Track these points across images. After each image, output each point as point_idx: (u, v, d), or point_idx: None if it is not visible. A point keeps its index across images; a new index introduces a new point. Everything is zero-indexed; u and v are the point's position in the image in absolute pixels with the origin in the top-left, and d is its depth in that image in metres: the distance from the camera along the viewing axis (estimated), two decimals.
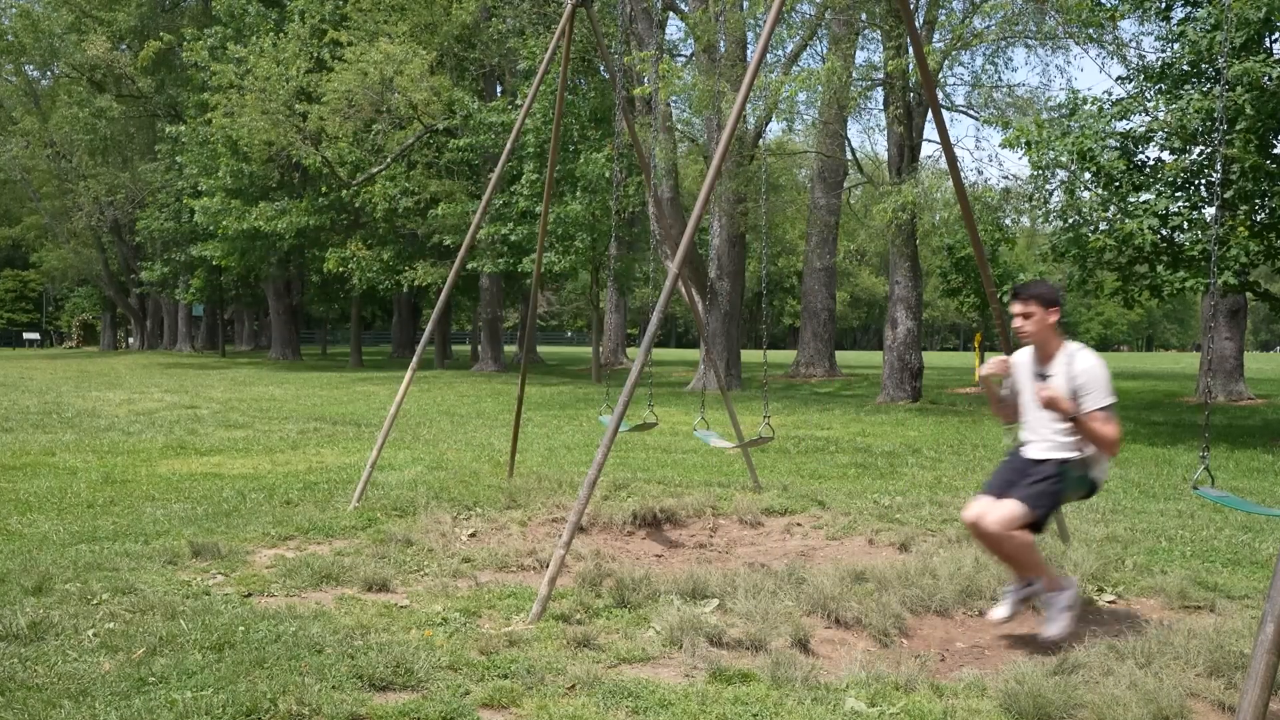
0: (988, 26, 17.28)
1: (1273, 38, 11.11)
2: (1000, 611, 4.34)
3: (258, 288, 38.62)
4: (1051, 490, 4.23)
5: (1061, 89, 41.41)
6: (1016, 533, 4.15)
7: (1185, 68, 11.54)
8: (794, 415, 15.21)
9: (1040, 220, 14.51)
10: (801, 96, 17.63)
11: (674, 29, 30.42)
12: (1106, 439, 4.14)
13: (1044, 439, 4.35)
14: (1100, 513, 7.11)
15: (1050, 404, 4.12)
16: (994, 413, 4.71)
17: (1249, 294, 13.55)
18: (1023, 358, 4.50)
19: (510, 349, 41.35)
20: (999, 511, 4.18)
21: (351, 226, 28.71)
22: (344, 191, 26.51)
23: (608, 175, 21.54)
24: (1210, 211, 11.38)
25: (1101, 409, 4.13)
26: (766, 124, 21.74)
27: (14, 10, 38.11)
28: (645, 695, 3.45)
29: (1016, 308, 4.35)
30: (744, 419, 10.73)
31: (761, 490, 7.75)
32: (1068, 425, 4.21)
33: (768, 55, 17.80)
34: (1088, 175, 11.97)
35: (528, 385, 9.21)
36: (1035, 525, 4.24)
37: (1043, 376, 4.34)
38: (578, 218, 21.73)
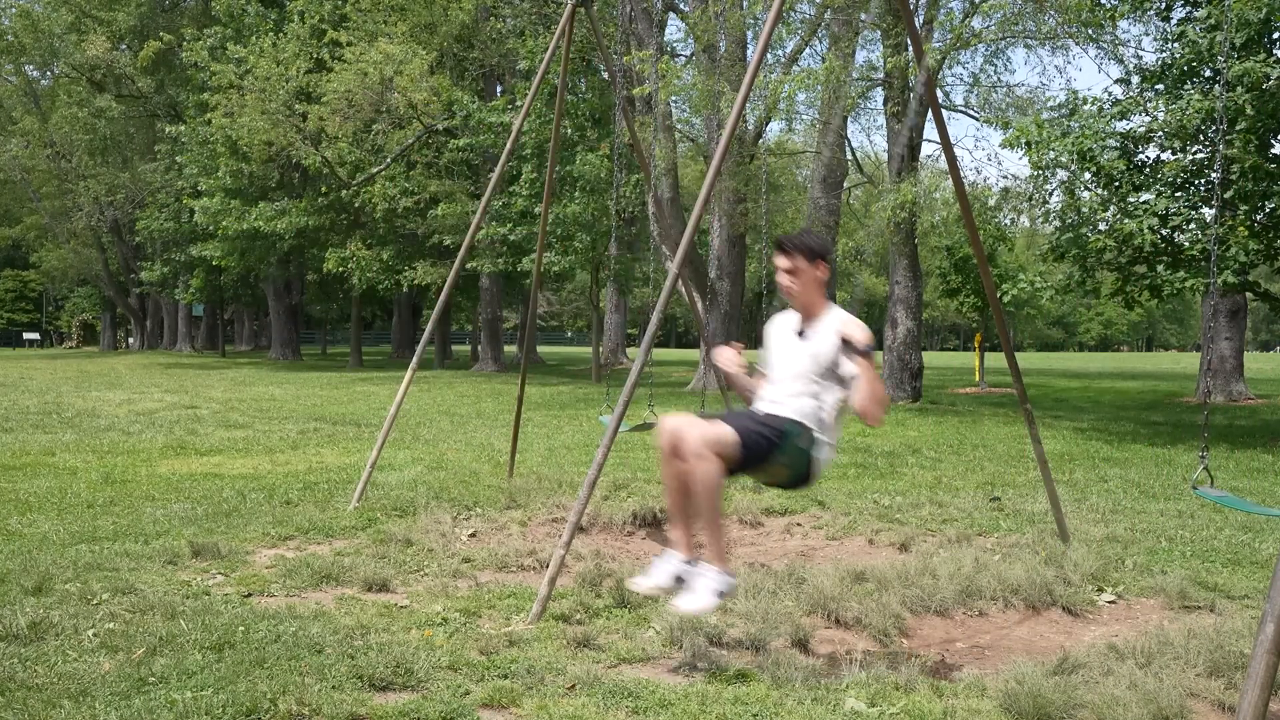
0: (987, 26, 17.29)
1: (1273, 38, 11.11)
2: (644, 582, 3.78)
3: (257, 288, 38.62)
4: (770, 438, 3.73)
5: (1061, 89, 41.43)
6: (710, 459, 3.56)
7: (1185, 68, 11.54)
8: None
9: (1040, 220, 14.52)
10: (801, 96, 17.63)
11: (674, 29, 30.44)
12: (877, 393, 3.70)
13: (784, 401, 3.89)
14: (1100, 513, 7.11)
15: (847, 340, 3.68)
16: (737, 393, 4.21)
17: (1249, 294, 13.55)
18: (780, 321, 4.09)
19: (510, 349, 41.34)
20: (706, 427, 3.62)
21: (351, 226, 28.71)
22: (344, 191, 26.51)
23: (603, 175, 21.54)
24: (1210, 211, 11.38)
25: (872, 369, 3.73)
26: (766, 124, 21.75)
27: (14, 10, 38.11)
28: (645, 695, 3.45)
29: (781, 261, 3.92)
30: None
31: (761, 490, 7.75)
32: (824, 394, 3.82)
33: (767, 55, 17.79)
34: (1088, 175, 11.97)
35: (528, 385, 9.20)
36: (733, 466, 3.68)
37: (801, 334, 3.94)
38: (576, 218, 21.73)
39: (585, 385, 23.09)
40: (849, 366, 3.78)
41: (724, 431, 3.62)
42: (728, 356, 4.15)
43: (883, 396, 3.74)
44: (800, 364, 3.90)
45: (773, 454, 3.75)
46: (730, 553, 5.98)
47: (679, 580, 3.72)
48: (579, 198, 21.88)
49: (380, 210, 25.36)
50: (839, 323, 3.82)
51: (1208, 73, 11.47)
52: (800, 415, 3.84)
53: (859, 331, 3.70)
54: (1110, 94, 12.66)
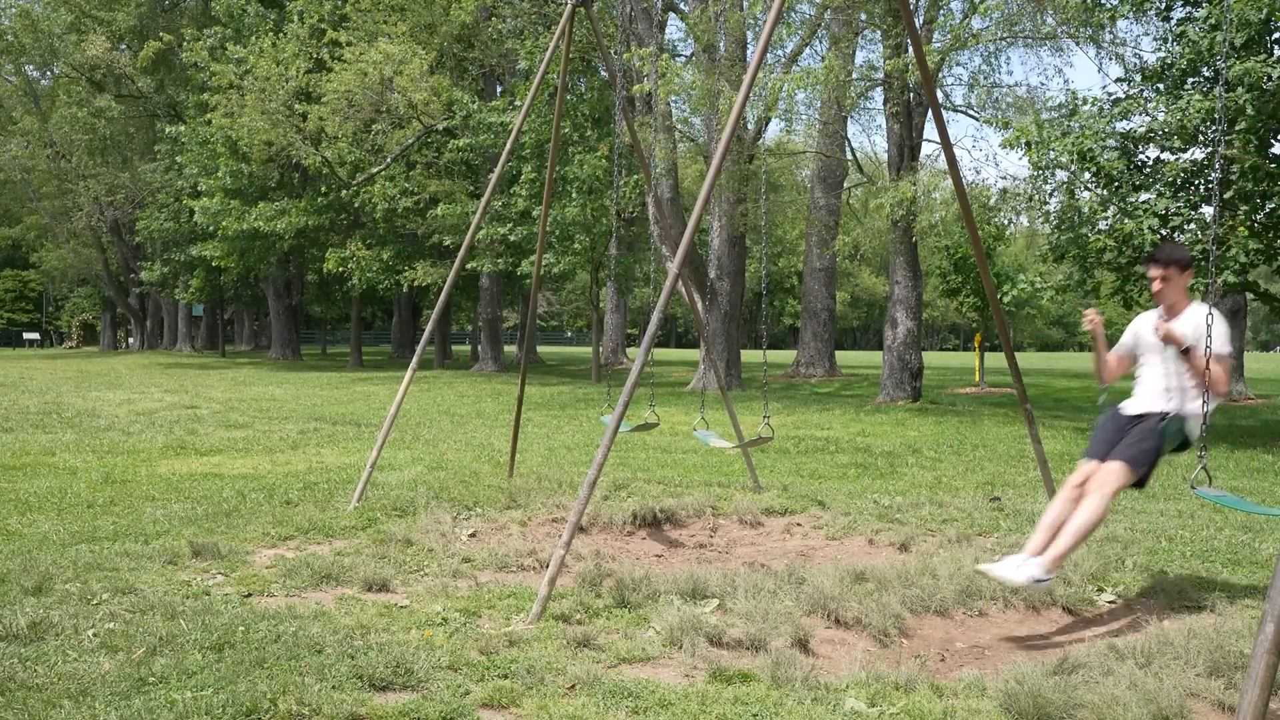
0: (986, 26, 17.30)
1: (1273, 38, 11.11)
2: (1018, 575, 4.32)
3: (257, 288, 38.63)
4: (1153, 447, 4.50)
5: (1061, 89, 41.43)
6: (1110, 501, 4.39)
7: (1185, 68, 11.54)
8: (794, 415, 15.21)
9: (1040, 221, 14.53)
10: (800, 95, 17.64)
11: (674, 29, 30.44)
12: (1217, 377, 4.32)
13: (1146, 394, 4.67)
14: None
15: (1167, 336, 4.39)
16: (1095, 369, 5.02)
17: (1249, 294, 13.55)
18: (1148, 319, 4.78)
19: (510, 349, 41.35)
20: (1106, 475, 4.42)
21: (351, 226, 28.71)
22: (344, 191, 26.52)
23: (601, 175, 21.54)
24: (1210, 211, 11.38)
25: (1220, 354, 4.32)
26: (766, 124, 21.75)
27: (14, 10, 38.11)
28: (645, 695, 3.45)
29: (1155, 271, 4.64)
30: (744, 419, 10.74)
31: (761, 490, 7.75)
32: (1180, 371, 4.50)
33: (767, 55, 17.79)
34: (1088, 175, 11.97)
35: (528, 385, 9.21)
36: (1139, 483, 4.52)
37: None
38: (574, 218, 21.74)
39: (585, 385, 23.09)
40: (1211, 363, 4.36)
41: (1120, 474, 4.44)
42: (1093, 317, 4.77)
43: (1219, 379, 4.35)
44: (1162, 360, 4.63)
45: (1160, 451, 4.55)
46: (731, 552, 5.98)
47: (1040, 584, 4.38)
48: (576, 199, 21.88)
49: (380, 210, 25.36)
50: (1188, 326, 4.50)
51: (1208, 73, 11.47)
52: (1165, 407, 4.59)
53: (1218, 336, 4.29)
54: (1110, 94, 12.66)
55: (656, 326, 5.04)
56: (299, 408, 15.73)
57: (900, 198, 15.96)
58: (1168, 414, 4.55)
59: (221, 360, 36.20)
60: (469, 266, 23.90)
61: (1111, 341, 4.96)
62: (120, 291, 47.83)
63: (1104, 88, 12.75)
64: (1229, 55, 10.64)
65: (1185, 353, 4.40)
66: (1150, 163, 11.98)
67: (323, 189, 27.32)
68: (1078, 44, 18.42)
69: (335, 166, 25.59)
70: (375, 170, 25.49)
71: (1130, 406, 4.72)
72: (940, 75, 18.48)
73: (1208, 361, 4.23)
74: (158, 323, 50.82)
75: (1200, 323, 4.38)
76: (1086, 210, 12.04)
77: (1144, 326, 4.80)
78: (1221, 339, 4.35)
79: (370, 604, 4.52)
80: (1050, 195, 12.78)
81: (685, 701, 3.41)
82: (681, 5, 23.78)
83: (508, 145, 7.36)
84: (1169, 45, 11.98)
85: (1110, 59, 19.37)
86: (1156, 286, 4.66)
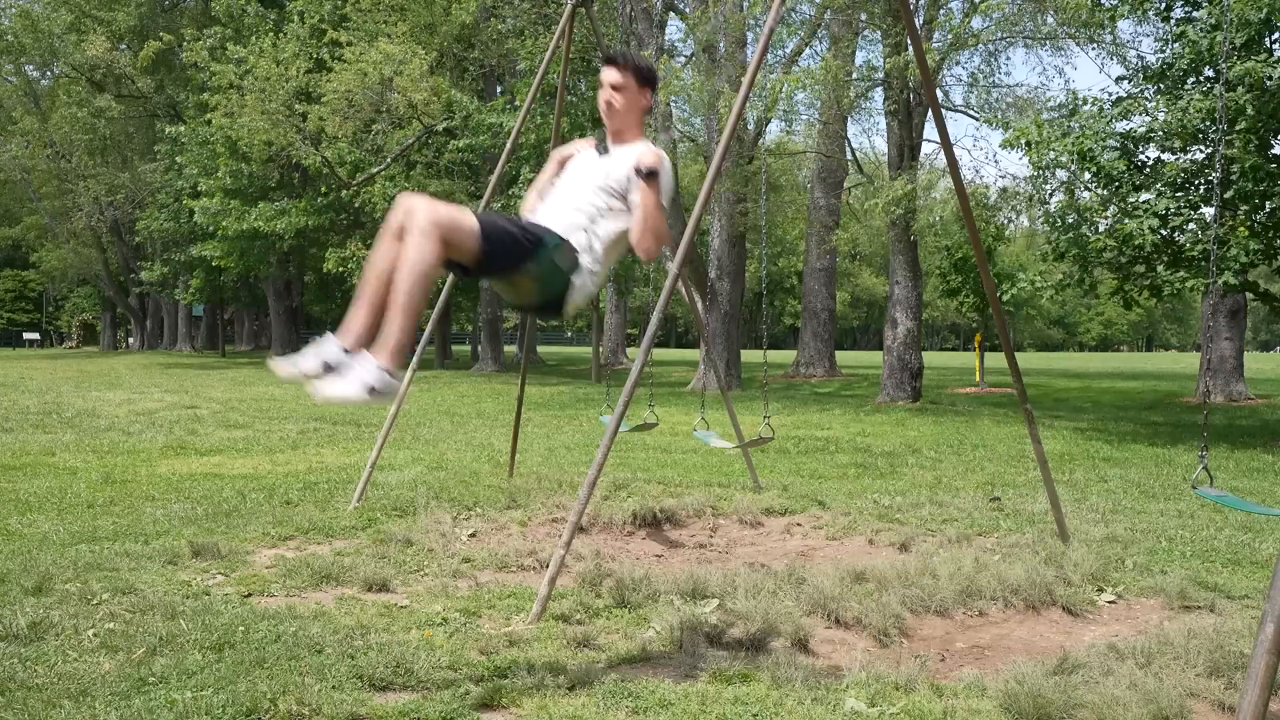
0: (986, 26, 17.31)
1: (1273, 38, 11.11)
2: (285, 366, 3.18)
3: (257, 288, 38.63)
4: (522, 242, 3.36)
5: (1061, 89, 41.42)
6: (432, 241, 3.13)
7: (1185, 68, 11.54)
8: (794, 415, 15.21)
9: (1040, 221, 14.55)
10: (800, 95, 17.66)
11: (674, 29, 30.43)
12: (655, 222, 3.47)
13: (557, 216, 3.58)
14: (1100, 513, 7.11)
15: (648, 168, 3.48)
16: (528, 198, 3.91)
17: (1249, 294, 13.55)
18: (583, 143, 3.87)
19: (510, 349, 41.35)
20: (444, 207, 3.22)
21: (351, 226, 28.71)
22: (344, 191, 26.52)
23: None
24: (1210, 211, 11.38)
25: (660, 203, 3.51)
26: (766, 124, 21.75)
27: (14, 10, 38.12)
28: (645, 695, 3.45)
29: (611, 75, 3.69)
30: (744, 419, 10.73)
31: (761, 490, 7.75)
32: (602, 220, 3.53)
33: (767, 55, 17.81)
34: (1088, 175, 11.97)
35: (528, 385, 9.21)
36: (472, 263, 3.31)
37: (603, 149, 3.71)
38: None
39: (585, 385, 23.09)
40: (635, 195, 3.52)
41: (465, 218, 3.22)
42: (581, 145, 3.84)
43: (660, 229, 3.47)
44: (589, 180, 3.61)
45: (523, 262, 3.36)
46: (731, 552, 5.98)
47: (328, 367, 3.14)
48: None
49: (380, 210, 25.34)
50: (642, 149, 3.57)
51: (1208, 73, 11.47)
52: (568, 232, 3.49)
53: (652, 157, 3.49)
54: (1110, 94, 12.67)
55: (656, 326, 5.04)
56: (299, 408, 15.74)
57: (896, 195, 15.97)
58: (566, 241, 3.47)
59: (221, 360, 36.20)
60: None
61: None
62: (120, 291, 47.84)
63: (1105, 90, 12.74)
64: (1229, 55, 10.64)
65: (647, 177, 3.47)
66: (1150, 163, 11.98)
67: (323, 189, 27.31)
68: (1078, 44, 18.43)
69: (335, 166, 25.59)
70: (375, 170, 25.49)
71: (530, 216, 3.67)
72: (940, 75, 18.48)
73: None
74: (158, 323, 50.82)
75: (660, 163, 3.51)
76: (1086, 210, 12.04)
77: (581, 145, 3.86)
78: (668, 188, 3.58)
79: (370, 604, 4.51)
80: (1050, 195, 12.78)
81: (685, 701, 3.41)
82: (681, 5, 23.78)
83: (507, 146, 7.36)
84: (1169, 45, 11.98)
85: (1111, 59, 19.38)
86: (607, 97, 3.69)
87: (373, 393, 3.09)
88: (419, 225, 3.15)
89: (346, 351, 3.17)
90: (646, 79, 3.74)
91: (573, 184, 3.66)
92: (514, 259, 3.35)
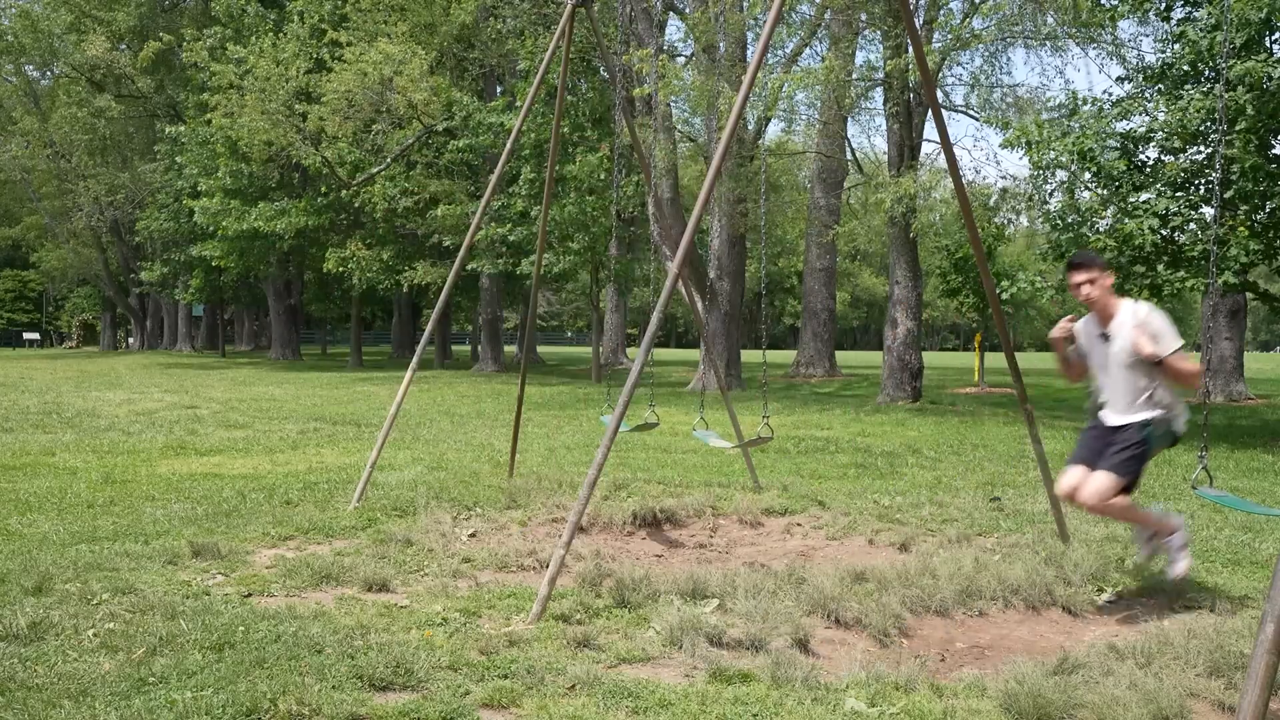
0: (986, 27, 17.30)
1: (1273, 38, 11.11)
2: (1144, 557, 4.88)
3: (257, 288, 38.63)
4: (1137, 454, 4.58)
5: (1061, 89, 41.44)
6: (1114, 500, 4.56)
7: (1185, 68, 11.54)
8: (794, 415, 15.21)
9: (1040, 221, 14.55)
10: (800, 96, 17.66)
11: (674, 29, 30.43)
12: (1190, 373, 4.49)
13: (1121, 402, 4.70)
14: None
15: (1149, 357, 4.46)
16: (1061, 372, 5.06)
17: (1249, 294, 13.55)
18: (1084, 324, 4.87)
19: (510, 349, 41.35)
20: (1093, 486, 4.57)
21: (351, 226, 28.71)
22: (344, 191, 26.52)
23: (603, 176, 21.54)
24: (1210, 211, 11.38)
25: (1177, 350, 4.48)
26: (766, 124, 21.75)
27: (14, 10, 38.12)
28: (645, 695, 3.45)
29: (1079, 276, 4.71)
30: (744, 419, 10.73)
31: (761, 490, 7.75)
32: (1148, 378, 4.56)
33: (768, 55, 17.80)
34: (1088, 175, 11.97)
35: (528, 385, 9.21)
36: (1127, 488, 4.62)
37: (1105, 337, 4.71)
38: (573, 219, 21.74)
39: (585, 385, 23.09)
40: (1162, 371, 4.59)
41: (1105, 483, 4.56)
42: (1060, 326, 4.92)
43: (1192, 374, 4.51)
44: (1116, 367, 4.68)
45: (1146, 456, 4.62)
46: (731, 552, 5.98)
47: (1151, 542, 4.83)
48: (574, 198, 21.87)
49: (380, 210, 25.36)
50: (1129, 330, 4.58)
51: (1208, 73, 11.47)
52: (1143, 415, 4.62)
53: (1147, 345, 4.48)
54: (1110, 94, 12.66)
55: (656, 326, 5.04)
56: (299, 408, 15.73)
57: (901, 193, 15.97)
58: (1150, 420, 4.62)
59: (221, 360, 36.20)
60: (469, 267, 23.89)
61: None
62: (120, 291, 47.84)
63: (1106, 91, 12.73)
64: (1229, 55, 10.64)
65: (1158, 364, 4.50)
66: (1150, 163, 11.99)
67: (323, 189, 27.32)
68: (1078, 45, 18.43)
69: (335, 166, 25.59)
70: (375, 170, 25.48)
71: (1109, 417, 4.78)
72: (940, 75, 18.49)
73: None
74: (158, 323, 50.82)
75: (1144, 321, 4.54)
76: (1086, 210, 12.04)
77: (1082, 333, 4.92)
78: (1169, 335, 4.53)
79: (370, 604, 4.51)
80: (1050, 195, 12.78)
81: (685, 701, 3.41)
82: (681, 5, 23.79)
83: (507, 146, 7.36)
84: (1169, 46, 11.98)
85: (1111, 59, 19.38)
86: (1086, 291, 4.72)
87: (1186, 547, 4.77)
88: (1091, 506, 4.66)
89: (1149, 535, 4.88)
90: (1106, 265, 4.78)
91: (1108, 375, 4.77)
92: (1144, 460, 4.66)
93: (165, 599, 4.42)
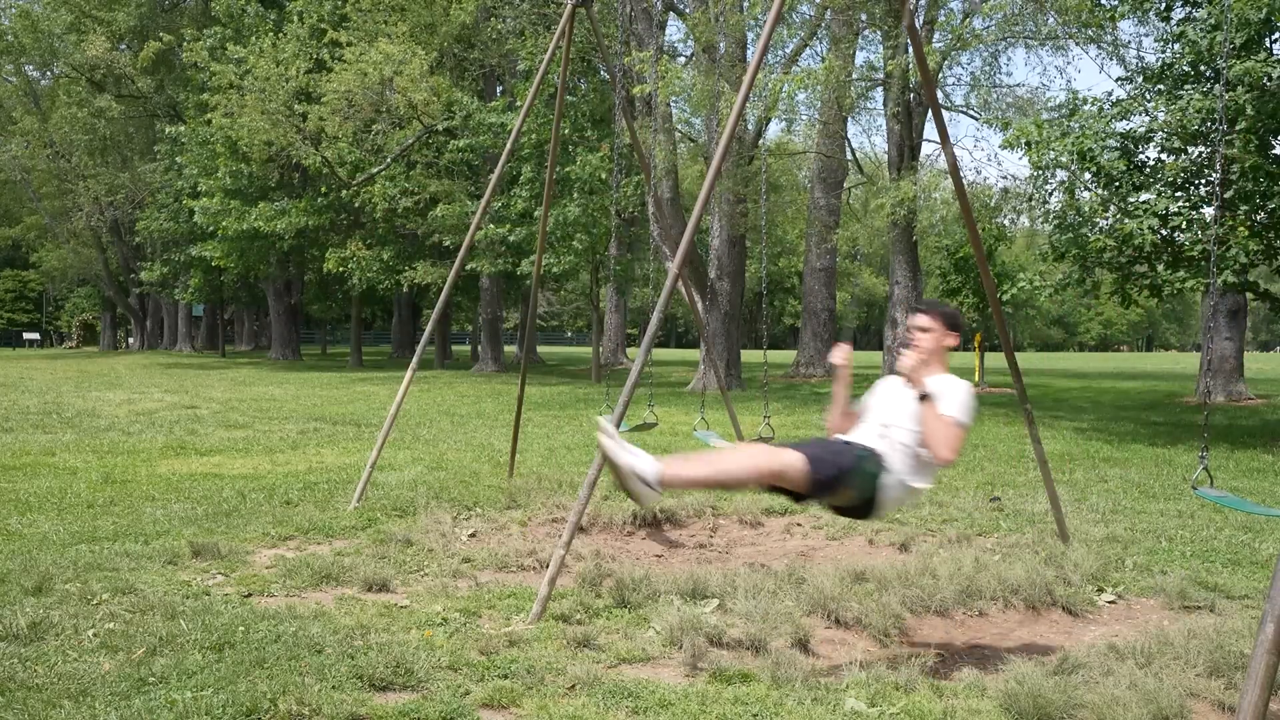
0: (987, 27, 17.31)
1: (1273, 38, 11.11)
2: (636, 460, 3.56)
3: (257, 288, 38.62)
4: (842, 467, 3.76)
5: (1061, 89, 41.45)
6: (771, 480, 3.67)
7: (1185, 68, 11.54)
8: (794, 415, 15.21)
9: (1040, 221, 14.56)
10: (801, 96, 17.67)
11: (674, 29, 30.43)
12: (943, 437, 3.77)
13: (866, 428, 4.04)
14: (1100, 513, 7.11)
15: (911, 372, 3.89)
16: (827, 417, 4.35)
17: (1249, 294, 13.55)
18: (894, 379, 4.18)
19: (510, 349, 41.35)
20: (780, 450, 3.70)
21: (351, 226, 28.71)
22: (344, 191, 26.51)
23: (603, 177, 21.53)
24: (1210, 211, 11.38)
25: (953, 418, 3.82)
26: (766, 124, 21.76)
27: (14, 10, 38.12)
28: (645, 695, 3.45)
29: (922, 320, 4.12)
30: (744, 419, 10.73)
31: (761, 490, 7.74)
32: (906, 422, 3.90)
33: (768, 55, 17.81)
34: (1088, 175, 11.97)
35: (528, 385, 9.21)
36: (799, 495, 3.78)
37: (915, 395, 4.01)
38: (574, 219, 21.73)
39: (585, 385, 23.09)
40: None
41: (792, 459, 3.68)
42: (843, 352, 4.30)
43: (945, 440, 3.77)
44: (896, 407, 4.02)
45: (842, 485, 3.78)
46: (731, 552, 5.98)
47: (627, 451, 3.56)
48: (575, 199, 21.87)
49: (380, 210, 25.35)
50: (938, 382, 3.96)
51: (1208, 73, 11.47)
52: (876, 445, 3.91)
53: (931, 384, 3.89)
54: (1110, 94, 12.66)
55: (656, 326, 5.04)
56: (299, 408, 15.73)
57: (901, 197, 15.98)
58: (873, 451, 3.87)
59: (221, 360, 36.20)
60: (469, 267, 23.89)
61: None
62: (120, 291, 47.82)
63: (1108, 92, 12.73)
64: (1229, 55, 10.63)
65: (923, 399, 3.84)
66: (1150, 163, 11.98)
67: (323, 189, 27.31)
68: (1078, 45, 18.43)
69: (335, 166, 25.58)
70: (375, 170, 25.48)
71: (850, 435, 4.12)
72: (941, 75, 18.49)
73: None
74: (158, 323, 50.82)
75: (951, 389, 3.91)
76: (1086, 210, 12.05)
77: (886, 384, 4.25)
78: (963, 406, 3.89)
79: (370, 604, 4.51)
80: (1050, 195, 12.78)
81: (685, 701, 3.41)
82: (681, 6, 23.79)
83: (507, 146, 7.36)
84: (1169, 46, 11.98)
85: (1111, 59, 19.39)
86: (918, 339, 4.09)
87: (642, 483, 3.53)
88: (760, 458, 3.67)
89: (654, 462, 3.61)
90: (952, 325, 4.16)
91: (882, 410, 4.09)
92: (837, 480, 3.77)
93: (165, 599, 4.42)
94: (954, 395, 3.91)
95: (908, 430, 3.91)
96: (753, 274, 31.29)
